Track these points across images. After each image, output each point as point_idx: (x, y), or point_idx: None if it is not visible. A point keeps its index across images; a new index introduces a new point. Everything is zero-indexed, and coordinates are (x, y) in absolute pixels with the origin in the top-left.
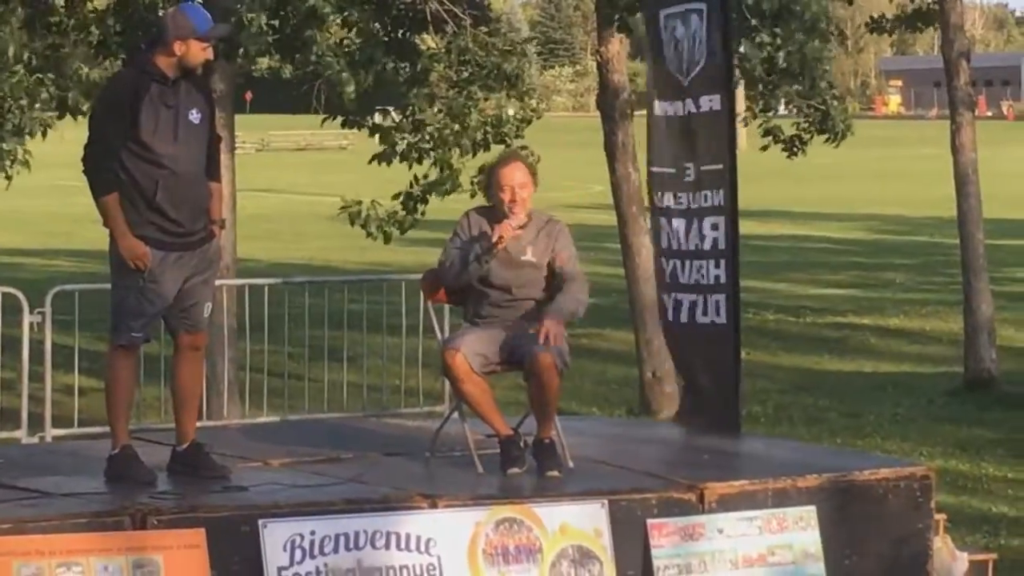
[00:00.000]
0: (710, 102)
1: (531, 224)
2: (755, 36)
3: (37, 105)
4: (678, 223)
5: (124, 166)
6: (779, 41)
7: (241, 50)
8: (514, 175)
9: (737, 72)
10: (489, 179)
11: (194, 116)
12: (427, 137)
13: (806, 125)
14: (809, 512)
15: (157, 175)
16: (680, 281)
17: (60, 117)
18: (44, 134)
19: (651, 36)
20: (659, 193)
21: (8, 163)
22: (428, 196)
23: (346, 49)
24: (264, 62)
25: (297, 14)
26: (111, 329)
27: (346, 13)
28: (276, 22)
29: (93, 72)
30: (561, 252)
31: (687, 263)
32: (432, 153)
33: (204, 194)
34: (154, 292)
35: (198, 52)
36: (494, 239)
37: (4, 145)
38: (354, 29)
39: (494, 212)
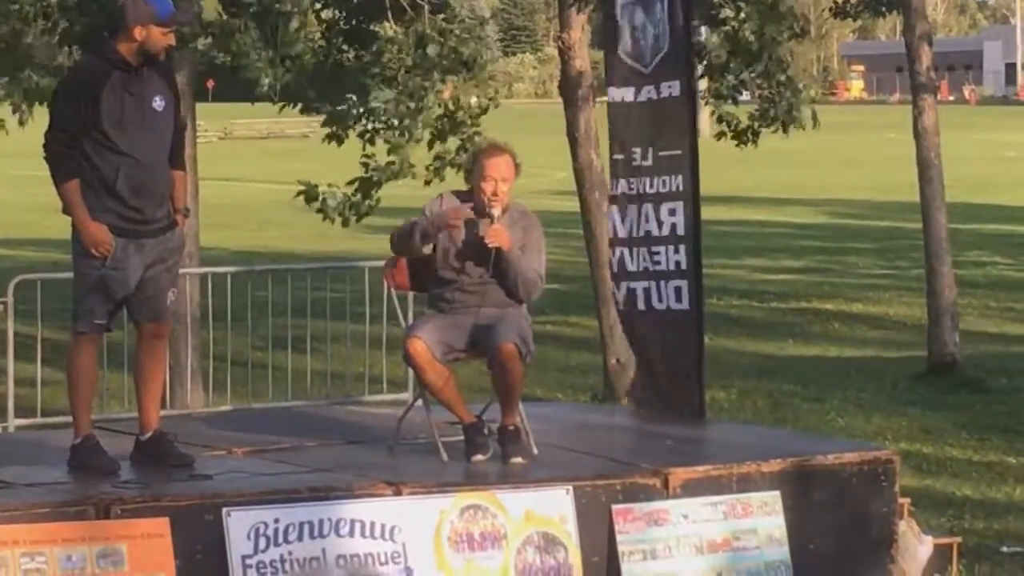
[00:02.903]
0: (669, 88)
1: (507, 215)
2: (718, 13)
3: None
4: (630, 209)
5: (85, 153)
6: (743, 16)
7: (204, 39)
8: (499, 167)
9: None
10: (472, 165)
11: (157, 103)
12: (378, 119)
13: (758, 115)
14: (773, 497)
15: (118, 162)
16: (628, 269)
17: (27, 104)
18: None
19: (605, 23)
20: (615, 180)
21: None
22: (382, 181)
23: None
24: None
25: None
26: (73, 317)
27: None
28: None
29: (44, 80)
30: (529, 250)
31: (636, 250)
32: (383, 133)
33: (166, 182)
34: (116, 279)
35: (159, 38)
36: (449, 221)
37: None
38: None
39: (471, 198)
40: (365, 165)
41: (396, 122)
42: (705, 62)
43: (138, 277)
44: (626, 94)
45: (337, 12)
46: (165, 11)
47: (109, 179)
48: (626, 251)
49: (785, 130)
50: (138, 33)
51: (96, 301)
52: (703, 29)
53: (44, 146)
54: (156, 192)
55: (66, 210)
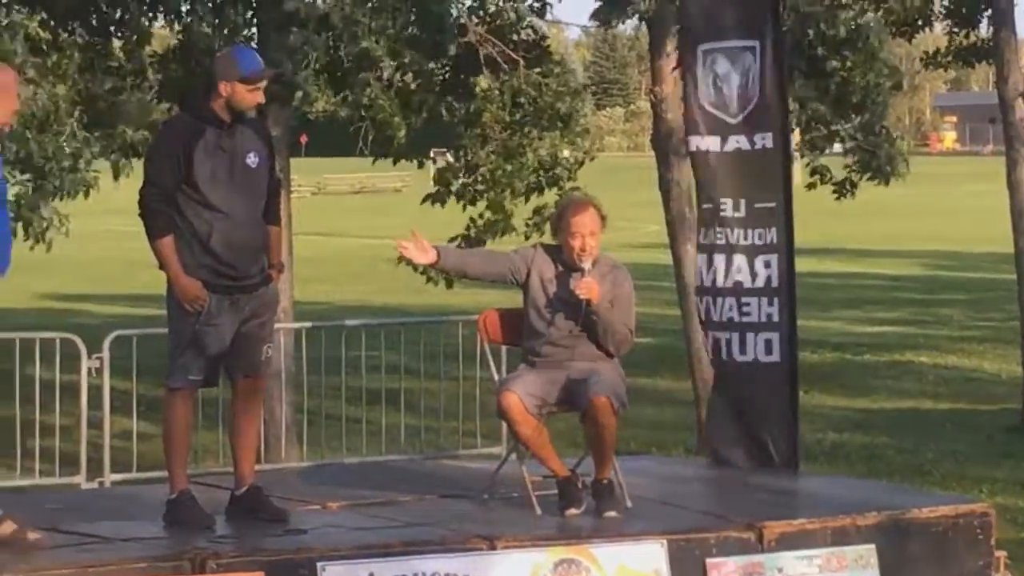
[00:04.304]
0: (763, 140)
1: (597, 267)
2: (823, 65)
3: (80, 164)
4: (717, 259)
5: (179, 209)
6: (849, 64)
7: (299, 93)
8: (585, 222)
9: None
10: (559, 222)
11: (251, 159)
12: (480, 178)
13: (856, 166)
14: (869, 550)
15: (211, 218)
16: (712, 319)
17: (124, 159)
18: (86, 194)
19: (685, 72)
20: (703, 229)
21: (42, 230)
22: (483, 238)
23: (397, 89)
24: (320, 105)
25: (350, 56)
26: (167, 372)
27: (401, 58)
28: (328, 64)
29: (137, 136)
30: (620, 303)
31: (722, 300)
32: (485, 195)
33: (260, 238)
34: (210, 335)
35: (244, 94)
36: (581, 295)
37: (43, 212)
38: (407, 72)
39: (560, 252)
40: (472, 222)
41: (496, 178)
42: (801, 114)
43: (233, 332)
44: (711, 143)
45: (431, 64)
46: (249, 68)
47: (203, 235)
48: (710, 300)
49: (886, 181)
50: (224, 89)
51: (190, 356)
52: (799, 81)
53: (139, 202)
54: (250, 248)
55: (161, 266)
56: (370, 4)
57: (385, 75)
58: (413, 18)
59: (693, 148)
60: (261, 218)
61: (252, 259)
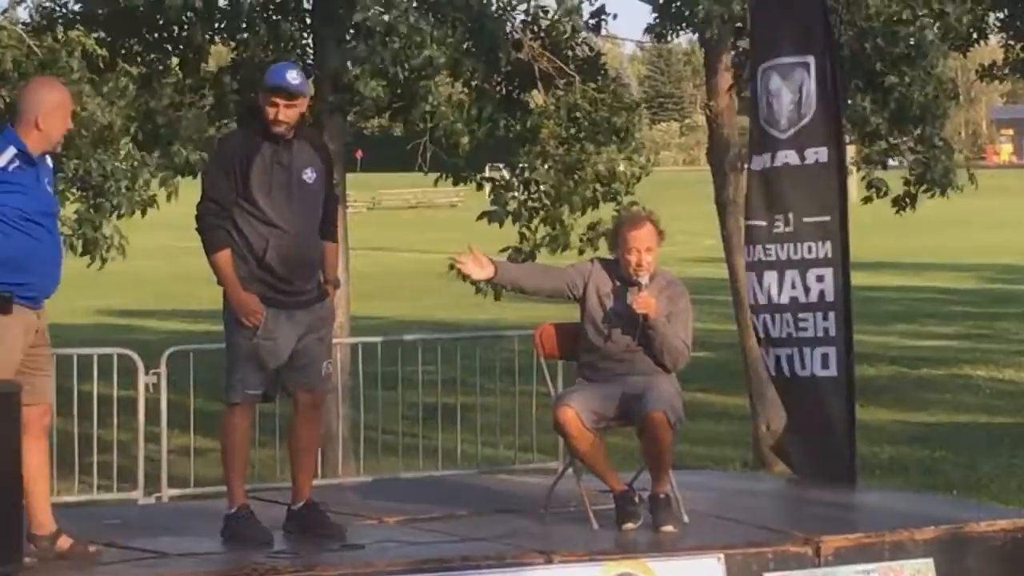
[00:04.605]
0: (816, 154)
1: (654, 282)
2: (881, 80)
3: (138, 185)
4: (767, 275)
5: (235, 224)
6: (907, 80)
7: (355, 108)
8: (642, 238)
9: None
10: (616, 237)
11: (308, 175)
12: (539, 195)
13: (913, 179)
14: (927, 565)
15: (268, 233)
16: (772, 335)
17: (181, 175)
18: (143, 213)
19: (751, 91)
20: (750, 247)
21: (104, 249)
22: (536, 252)
23: (458, 102)
24: (375, 120)
25: (411, 67)
26: (225, 387)
27: (464, 68)
28: (385, 80)
29: (193, 155)
30: (676, 319)
31: (778, 316)
32: (541, 212)
33: (316, 253)
34: (267, 349)
35: (267, 108)
36: (638, 310)
37: (104, 231)
38: (466, 85)
39: (617, 267)
40: (523, 236)
41: (554, 193)
42: (857, 128)
43: (290, 347)
44: (765, 160)
45: (487, 82)
46: (271, 80)
47: (259, 250)
48: (768, 317)
49: (944, 193)
50: (261, 101)
51: (247, 371)
52: (856, 95)
53: (196, 217)
54: (306, 263)
55: (218, 280)
56: (431, 16)
57: (441, 89)
58: (468, 33)
59: (757, 168)
60: (317, 234)
61: (308, 274)
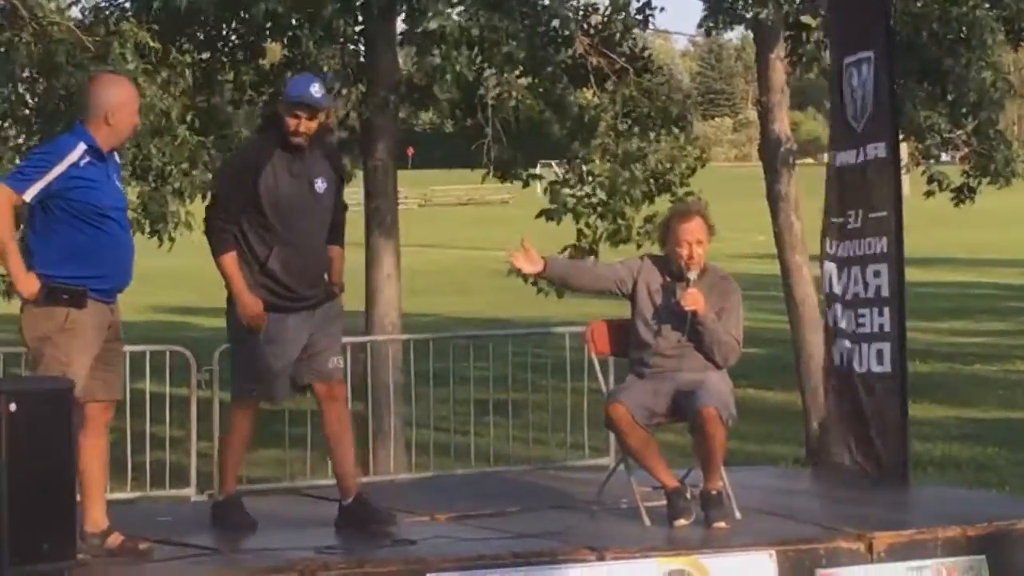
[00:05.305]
0: (875, 149)
1: (704, 278)
2: (937, 66)
3: (196, 171)
4: (842, 271)
5: (242, 229)
6: (964, 62)
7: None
8: (692, 231)
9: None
10: (666, 231)
11: (319, 185)
12: (597, 189)
13: (973, 171)
14: (979, 561)
15: (272, 241)
16: (840, 326)
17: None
18: (204, 196)
19: (833, 85)
20: (828, 241)
21: (172, 225)
22: (595, 247)
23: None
24: (426, 117)
25: (491, 65)
26: (232, 386)
27: (538, 62)
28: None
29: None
30: (727, 314)
31: (845, 311)
32: (599, 207)
33: (320, 264)
34: (272, 352)
35: (288, 118)
36: (687, 307)
37: (170, 207)
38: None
39: (667, 263)
40: (580, 233)
41: (616, 187)
42: (913, 123)
43: (299, 346)
44: (849, 156)
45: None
46: (292, 92)
47: (261, 256)
48: (839, 307)
49: (1008, 182)
50: (280, 110)
51: (252, 372)
52: (913, 88)
53: (205, 220)
54: (308, 273)
55: (225, 283)
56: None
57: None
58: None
59: (838, 164)
60: (323, 244)
61: (310, 284)
